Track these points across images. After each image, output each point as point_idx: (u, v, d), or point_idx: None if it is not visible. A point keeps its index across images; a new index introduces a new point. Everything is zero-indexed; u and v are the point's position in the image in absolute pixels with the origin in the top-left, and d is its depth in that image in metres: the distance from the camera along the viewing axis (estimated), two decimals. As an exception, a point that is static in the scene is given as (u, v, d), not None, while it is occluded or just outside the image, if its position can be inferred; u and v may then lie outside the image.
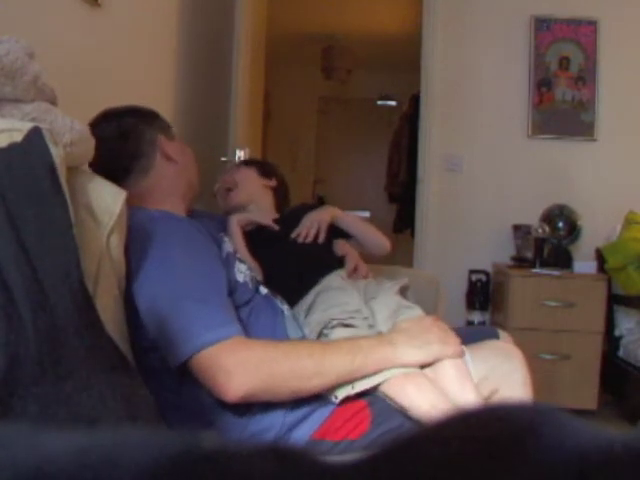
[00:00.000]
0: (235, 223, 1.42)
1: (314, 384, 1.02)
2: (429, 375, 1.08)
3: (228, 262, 1.21)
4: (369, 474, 0.20)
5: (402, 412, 1.05)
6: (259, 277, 1.32)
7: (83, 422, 0.66)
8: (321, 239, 1.44)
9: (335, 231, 1.51)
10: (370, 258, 1.57)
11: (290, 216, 1.51)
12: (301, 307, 1.26)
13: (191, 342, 0.97)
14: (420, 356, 1.08)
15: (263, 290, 1.27)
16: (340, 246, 1.51)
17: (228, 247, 1.32)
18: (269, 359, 0.99)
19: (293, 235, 1.44)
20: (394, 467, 0.20)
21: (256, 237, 1.42)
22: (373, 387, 1.06)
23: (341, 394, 1.05)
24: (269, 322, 1.17)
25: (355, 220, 1.57)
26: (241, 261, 1.29)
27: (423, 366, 1.10)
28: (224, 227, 1.44)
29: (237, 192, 1.54)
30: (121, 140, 1.25)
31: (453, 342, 1.11)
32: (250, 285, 1.22)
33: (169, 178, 1.28)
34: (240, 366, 0.96)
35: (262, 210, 1.53)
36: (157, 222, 1.12)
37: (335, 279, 1.33)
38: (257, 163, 1.65)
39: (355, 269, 1.44)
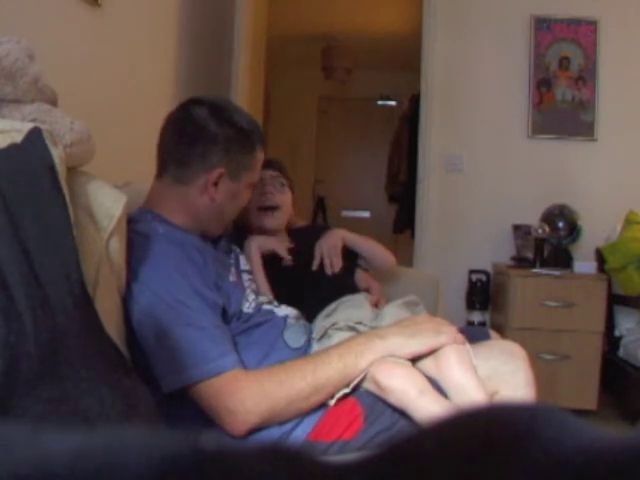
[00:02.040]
0: (256, 249, 1.40)
1: (313, 401, 1.03)
2: (429, 363, 1.07)
3: (236, 290, 1.18)
4: (369, 474, 0.20)
5: (388, 403, 1.04)
6: (270, 299, 1.30)
7: (83, 422, 0.66)
8: (337, 267, 1.47)
9: (346, 254, 1.54)
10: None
11: (302, 239, 1.52)
12: (322, 316, 1.29)
13: (189, 372, 0.99)
14: (412, 346, 1.06)
15: (266, 308, 1.24)
16: (363, 279, 1.56)
17: (243, 276, 1.29)
18: (267, 393, 1.00)
19: (314, 267, 1.46)
20: (393, 467, 0.20)
21: (270, 262, 1.42)
22: (364, 376, 1.05)
23: (337, 395, 1.05)
24: (264, 339, 1.15)
25: (362, 239, 1.60)
26: (251, 288, 1.27)
27: (424, 356, 1.09)
28: (235, 239, 1.41)
29: (281, 214, 1.49)
30: (187, 138, 1.17)
31: (447, 331, 1.09)
32: (253, 312, 1.19)
33: (195, 206, 1.19)
34: (241, 406, 0.98)
35: (281, 235, 1.53)
36: (160, 239, 1.09)
37: (359, 297, 1.37)
38: (287, 176, 1.56)
39: (376, 304, 1.45)
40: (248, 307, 1.18)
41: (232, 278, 1.22)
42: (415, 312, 1.31)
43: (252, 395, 0.99)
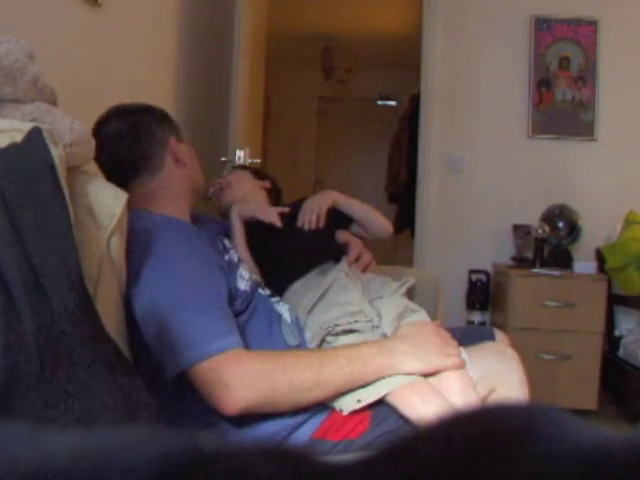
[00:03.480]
0: (236, 218, 1.42)
1: (313, 396, 1.02)
2: (433, 383, 1.08)
3: (230, 269, 1.21)
4: (369, 475, 0.20)
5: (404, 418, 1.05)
6: (257, 277, 1.32)
7: (83, 422, 0.66)
8: (320, 224, 1.44)
9: (337, 218, 1.51)
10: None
11: (294, 209, 1.52)
12: (304, 309, 1.26)
13: (190, 353, 0.97)
14: (419, 367, 1.08)
15: (262, 293, 1.26)
16: (342, 235, 1.51)
17: (231, 253, 1.32)
18: (267, 373, 0.98)
19: (298, 224, 1.45)
20: (393, 468, 0.20)
21: (256, 229, 1.42)
22: (379, 399, 1.06)
23: (347, 408, 1.04)
24: (265, 328, 1.17)
25: (356, 202, 1.56)
26: (243, 266, 1.29)
27: (427, 375, 1.10)
28: (224, 229, 1.43)
29: (230, 191, 1.56)
30: (133, 139, 1.24)
31: (454, 354, 1.12)
32: (250, 291, 1.21)
33: (177, 181, 1.27)
34: (238, 380, 0.96)
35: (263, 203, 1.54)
36: (159, 228, 1.11)
37: (338, 275, 1.32)
38: (249, 168, 1.69)
39: (358, 258, 1.44)
40: (245, 285, 1.20)
41: (226, 257, 1.26)
42: (411, 298, 1.33)
43: (252, 371, 0.97)
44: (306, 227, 1.44)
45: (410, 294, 1.37)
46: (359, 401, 1.04)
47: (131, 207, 1.21)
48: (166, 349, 1.00)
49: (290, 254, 1.38)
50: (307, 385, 1.00)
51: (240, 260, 1.33)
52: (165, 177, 1.26)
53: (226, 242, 1.38)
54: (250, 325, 1.14)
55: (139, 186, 1.24)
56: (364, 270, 1.46)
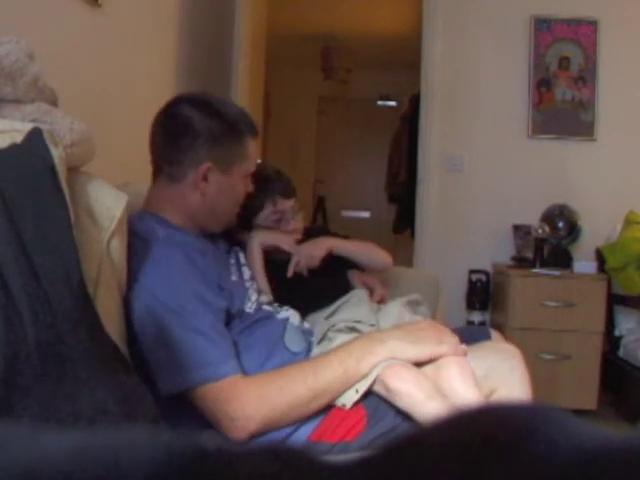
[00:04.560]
0: (258, 246, 1.38)
1: (313, 407, 1.03)
2: (430, 372, 1.07)
3: (237, 289, 1.19)
4: (368, 474, 0.20)
5: (395, 406, 1.04)
6: (266, 297, 1.30)
7: (82, 422, 0.66)
8: (311, 267, 1.44)
9: (340, 260, 1.51)
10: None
11: (302, 241, 1.50)
12: (321, 315, 1.29)
13: (188, 376, 0.98)
14: (413, 352, 1.07)
15: (265, 308, 1.24)
16: (358, 278, 1.52)
17: (244, 270, 1.30)
18: (266, 399, 0.99)
19: (288, 274, 1.40)
20: (393, 468, 0.20)
21: (273, 257, 1.41)
22: (374, 382, 1.06)
23: (349, 402, 1.05)
24: (263, 341, 1.15)
25: (353, 245, 1.55)
26: (253, 287, 1.27)
27: (424, 364, 1.09)
28: (235, 240, 1.40)
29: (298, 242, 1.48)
30: (173, 135, 1.17)
31: (449, 341, 1.09)
32: (254, 313, 1.19)
33: (189, 203, 1.19)
34: (241, 411, 0.98)
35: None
36: (160, 245, 1.09)
37: (357, 294, 1.36)
38: (295, 192, 1.52)
39: (381, 300, 1.46)
40: (250, 307, 1.18)
41: (234, 277, 1.22)
42: (417, 312, 1.32)
43: (252, 401, 0.99)
44: (289, 275, 1.41)
45: (414, 308, 1.38)
46: (357, 391, 1.04)
47: (143, 206, 1.21)
48: (161, 367, 1.00)
49: (309, 301, 1.37)
50: (304, 400, 1.01)
51: (252, 278, 1.31)
52: (180, 192, 1.19)
53: (241, 257, 1.34)
54: (247, 334, 1.13)
55: (155, 185, 1.22)
56: None
